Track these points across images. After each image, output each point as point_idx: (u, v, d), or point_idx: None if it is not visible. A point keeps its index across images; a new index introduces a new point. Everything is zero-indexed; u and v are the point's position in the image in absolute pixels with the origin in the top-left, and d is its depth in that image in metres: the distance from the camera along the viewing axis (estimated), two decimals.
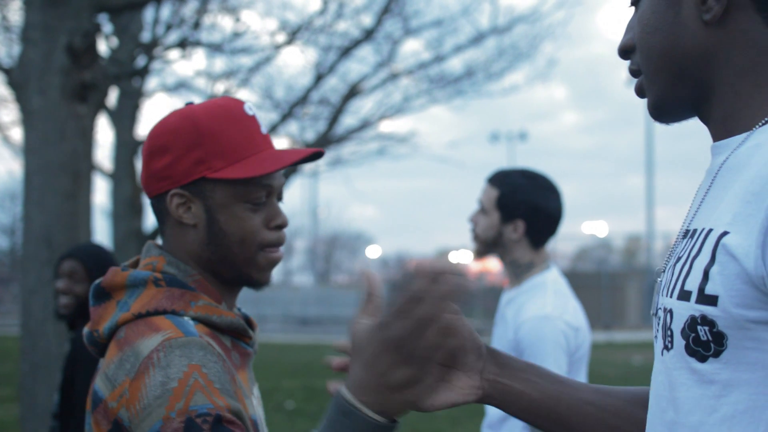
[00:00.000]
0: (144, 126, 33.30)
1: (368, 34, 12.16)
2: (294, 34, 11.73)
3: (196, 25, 10.55)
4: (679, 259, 1.27)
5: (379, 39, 12.47)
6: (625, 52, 1.37)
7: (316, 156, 1.66)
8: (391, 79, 13.27)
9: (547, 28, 13.47)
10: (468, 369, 1.40)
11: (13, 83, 6.54)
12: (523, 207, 3.13)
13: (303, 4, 23.64)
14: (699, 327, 1.18)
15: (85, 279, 3.82)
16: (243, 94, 13.09)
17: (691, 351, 1.20)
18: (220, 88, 12.10)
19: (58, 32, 6.16)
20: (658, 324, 1.30)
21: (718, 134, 1.32)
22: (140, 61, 10.84)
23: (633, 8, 1.38)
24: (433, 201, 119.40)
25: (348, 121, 13.48)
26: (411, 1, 12.60)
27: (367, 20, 12.32)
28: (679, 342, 1.22)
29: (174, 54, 11.02)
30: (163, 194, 1.64)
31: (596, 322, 25.26)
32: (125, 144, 12.30)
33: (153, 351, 1.46)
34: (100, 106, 6.84)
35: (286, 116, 11.93)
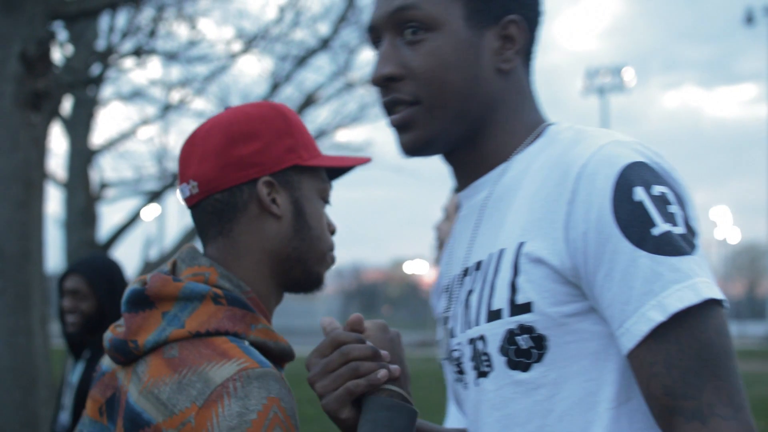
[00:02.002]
0: (98, 134, 32.92)
1: (324, 43, 12.20)
2: (250, 42, 11.73)
3: (152, 33, 10.50)
4: (471, 292, 1.35)
5: (336, 48, 12.51)
6: (390, 79, 1.39)
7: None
8: (347, 89, 13.31)
9: None
10: None
11: None
12: None
13: (259, 13, 23.62)
14: (518, 337, 1.25)
15: (90, 295, 3.67)
16: (199, 103, 13.04)
17: (513, 364, 1.27)
18: (175, 96, 12.04)
19: (12, 40, 6.10)
20: (460, 361, 1.37)
21: (475, 171, 1.41)
22: (95, 69, 10.74)
23: (391, 39, 1.39)
24: (388, 211, 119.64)
25: None
26: (368, 10, 12.59)
27: (324, 29, 12.35)
28: (498, 360, 1.28)
29: (129, 62, 10.94)
30: (243, 184, 1.52)
31: None
32: (79, 153, 12.18)
33: (228, 380, 1.36)
34: (54, 114, 6.78)
35: None
